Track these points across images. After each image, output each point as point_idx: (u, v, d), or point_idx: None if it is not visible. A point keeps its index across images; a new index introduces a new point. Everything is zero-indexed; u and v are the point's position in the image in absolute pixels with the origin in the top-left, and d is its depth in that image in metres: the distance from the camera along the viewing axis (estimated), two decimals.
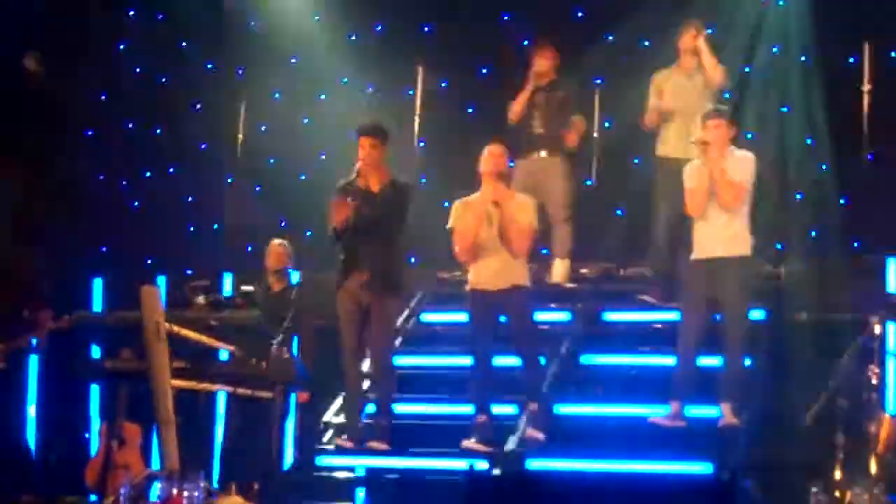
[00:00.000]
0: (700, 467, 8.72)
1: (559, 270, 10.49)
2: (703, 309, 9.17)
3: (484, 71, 12.06)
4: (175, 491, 8.67)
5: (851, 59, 11.05)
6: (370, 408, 9.60)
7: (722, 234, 9.13)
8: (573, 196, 10.56)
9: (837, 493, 8.07)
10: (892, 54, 11.04)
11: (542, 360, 9.42)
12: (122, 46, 13.05)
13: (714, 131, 9.18)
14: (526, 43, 11.75)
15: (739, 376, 9.03)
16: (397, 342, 10.08)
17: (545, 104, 10.56)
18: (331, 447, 9.58)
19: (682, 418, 9.09)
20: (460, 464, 8.97)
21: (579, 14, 12.04)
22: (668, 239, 9.93)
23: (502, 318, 9.31)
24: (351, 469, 9.56)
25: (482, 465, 8.89)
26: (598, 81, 11.30)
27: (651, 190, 10.31)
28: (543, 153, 10.39)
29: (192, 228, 12.63)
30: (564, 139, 10.54)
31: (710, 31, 10.31)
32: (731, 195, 9.09)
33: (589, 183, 10.95)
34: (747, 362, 9.21)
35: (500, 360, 9.42)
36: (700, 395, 9.11)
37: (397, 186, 9.47)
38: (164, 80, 12.95)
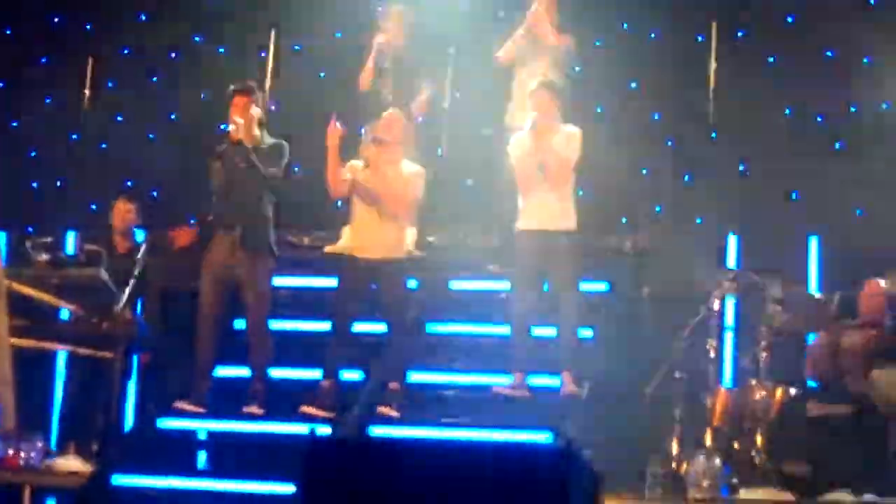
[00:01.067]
0: (540, 436, 8.83)
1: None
2: (535, 280, 9.27)
3: (338, 34, 12.00)
4: (12, 451, 8.58)
5: (699, 38, 11.21)
6: (243, 372, 9.54)
7: (550, 208, 9.25)
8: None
9: (674, 465, 8.26)
10: (739, 34, 11.23)
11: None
12: None
13: (539, 103, 9.30)
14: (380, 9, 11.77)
15: (573, 346, 9.15)
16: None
17: (392, 68, 10.55)
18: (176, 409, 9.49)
19: (525, 388, 9.19)
20: (302, 428, 8.99)
21: None
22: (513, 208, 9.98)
23: (373, 286, 9.35)
24: (193, 432, 9.50)
25: (325, 430, 8.91)
26: (451, 51, 11.30)
27: (497, 160, 10.37)
28: (391, 111, 10.34)
29: (34, 185, 12.39)
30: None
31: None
32: (557, 170, 9.20)
33: (439, 153, 10.97)
34: (588, 334, 9.35)
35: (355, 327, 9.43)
36: (543, 365, 9.22)
37: (273, 145, 9.54)
38: (7, 31, 12.66)
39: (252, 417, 9.31)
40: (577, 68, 10.59)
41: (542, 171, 9.24)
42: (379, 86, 10.55)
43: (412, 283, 9.92)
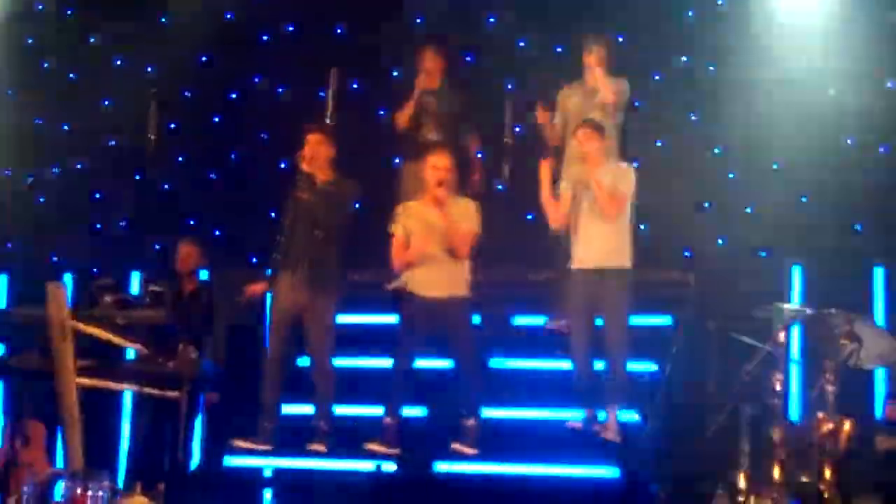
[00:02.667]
0: (607, 471, 8.80)
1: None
2: (589, 316, 9.25)
3: (395, 73, 12.06)
4: (79, 490, 8.58)
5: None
6: (308, 409, 9.54)
7: (603, 246, 9.23)
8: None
9: (741, 499, 8.18)
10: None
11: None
12: (30, 41, 12.87)
13: (586, 143, 9.31)
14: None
15: (621, 382, 9.13)
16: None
17: (436, 108, 10.55)
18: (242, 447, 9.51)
19: (598, 422, 9.15)
20: (368, 465, 9.00)
21: (491, 20, 12.08)
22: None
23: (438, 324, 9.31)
24: (259, 470, 9.53)
25: (390, 466, 8.92)
26: (510, 87, 11.35)
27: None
28: None
29: (98, 226, 12.50)
30: (463, 151, 10.46)
31: (617, 39, 10.29)
32: (611, 206, 9.20)
33: (501, 188, 10.97)
34: (653, 367, 9.32)
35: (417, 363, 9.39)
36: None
37: (342, 183, 9.54)
38: (72, 75, 12.80)
39: (317, 454, 9.33)
40: (636, 103, 10.58)
41: (591, 206, 9.24)
42: (421, 126, 10.55)
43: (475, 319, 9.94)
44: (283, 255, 9.44)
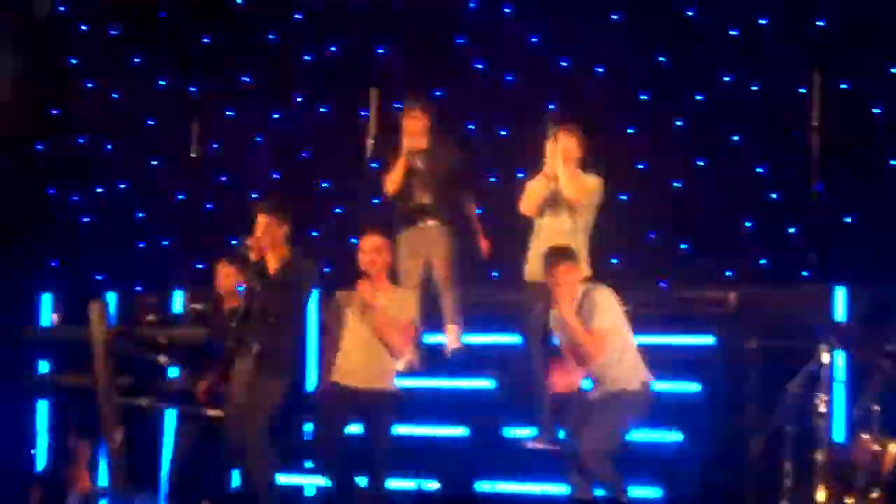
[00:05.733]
0: (650, 492, 8.76)
1: (450, 336, 9.77)
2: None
3: (438, 93, 12.06)
4: None
5: (802, 90, 11.14)
6: None
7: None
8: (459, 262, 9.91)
9: None
10: (842, 86, 11.13)
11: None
12: (73, 61, 12.98)
13: (565, 277, 8.51)
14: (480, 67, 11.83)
15: None
16: None
17: (427, 171, 9.81)
18: None
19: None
20: (409, 484, 8.99)
21: (533, 40, 12.04)
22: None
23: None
24: (300, 489, 9.53)
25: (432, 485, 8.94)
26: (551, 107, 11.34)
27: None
28: (431, 222, 9.75)
29: (142, 245, 12.57)
30: (463, 213, 9.87)
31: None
32: (592, 346, 8.44)
33: None
34: (695, 387, 9.27)
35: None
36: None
37: (297, 266, 9.02)
38: (115, 95, 12.89)
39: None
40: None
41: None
42: (412, 190, 9.82)
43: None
44: (237, 342, 8.93)
